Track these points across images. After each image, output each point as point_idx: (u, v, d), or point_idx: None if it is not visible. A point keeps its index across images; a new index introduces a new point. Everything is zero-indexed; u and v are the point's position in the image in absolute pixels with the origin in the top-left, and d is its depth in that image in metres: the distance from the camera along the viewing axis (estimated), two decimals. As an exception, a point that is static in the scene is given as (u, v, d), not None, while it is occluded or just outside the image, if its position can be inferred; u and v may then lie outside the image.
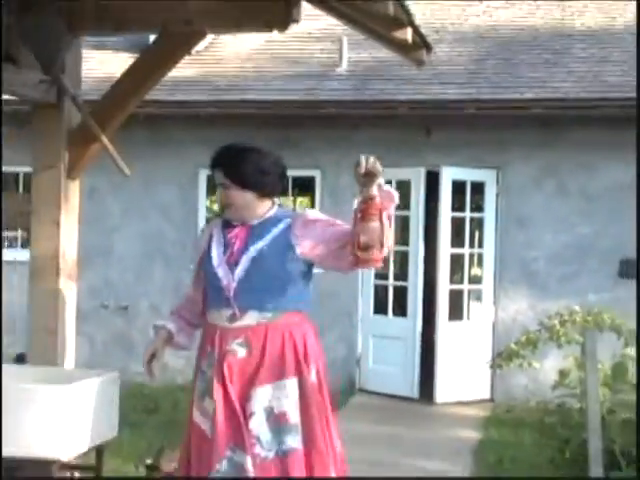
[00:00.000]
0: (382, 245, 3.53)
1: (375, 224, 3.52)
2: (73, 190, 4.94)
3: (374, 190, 3.57)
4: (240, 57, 10.93)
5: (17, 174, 10.36)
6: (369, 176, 3.50)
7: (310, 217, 3.88)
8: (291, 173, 9.85)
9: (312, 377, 3.59)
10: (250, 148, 3.90)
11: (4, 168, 10.17)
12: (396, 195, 3.63)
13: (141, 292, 10.23)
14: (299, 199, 13.23)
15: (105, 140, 4.83)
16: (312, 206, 10.49)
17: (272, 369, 3.54)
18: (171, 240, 10.24)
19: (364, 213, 3.57)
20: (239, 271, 3.63)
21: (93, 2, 5.15)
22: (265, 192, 3.76)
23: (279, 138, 9.79)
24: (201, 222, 10.26)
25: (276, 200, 3.89)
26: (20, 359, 4.68)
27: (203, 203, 10.38)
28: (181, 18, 4.82)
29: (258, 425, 3.49)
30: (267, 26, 4.79)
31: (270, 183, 3.77)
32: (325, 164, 9.91)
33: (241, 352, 3.56)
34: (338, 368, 9.78)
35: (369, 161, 3.49)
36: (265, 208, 3.77)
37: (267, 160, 3.81)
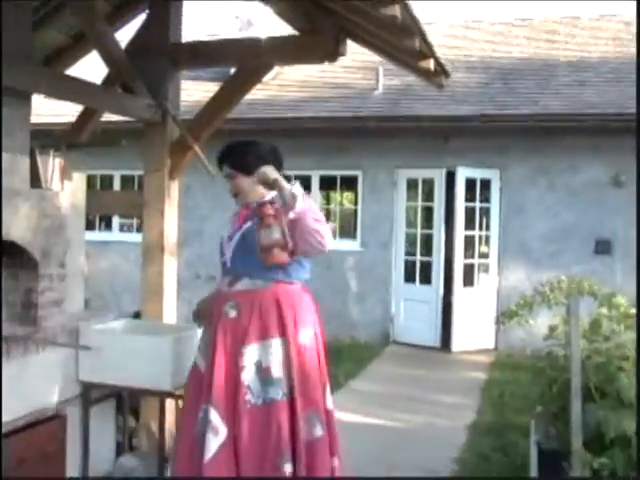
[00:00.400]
0: (285, 245, 3.35)
1: (272, 228, 3.35)
2: (174, 188, 5.01)
3: (267, 197, 3.48)
4: (299, 83, 10.98)
5: (133, 176, 10.50)
6: (267, 185, 3.35)
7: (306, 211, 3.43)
8: (339, 173, 10.09)
9: (301, 339, 3.41)
10: (248, 141, 3.73)
11: (128, 172, 10.40)
12: (298, 196, 3.19)
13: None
14: (345, 193, 13.21)
15: (197, 149, 4.89)
16: (356, 199, 10.44)
17: (259, 330, 3.37)
18: (248, 225, 10.30)
19: (261, 219, 3.42)
20: (232, 244, 3.54)
21: (189, 44, 5.21)
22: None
23: (330, 146, 9.88)
24: (271, 211, 10.33)
25: None
26: (137, 315, 4.77)
27: (272, 196, 10.41)
28: (254, 54, 4.86)
29: (249, 377, 3.34)
30: (320, 59, 4.84)
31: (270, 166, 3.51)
32: (366, 166, 9.91)
33: (232, 313, 3.43)
34: (377, 325, 9.84)
35: (259, 173, 3.36)
36: (266, 191, 3.52)
37: (264, 148, 3.63)
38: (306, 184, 10.62)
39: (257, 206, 3.51)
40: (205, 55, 5.22)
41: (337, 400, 6.60)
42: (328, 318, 10.02)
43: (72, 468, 4.01)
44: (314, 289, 9.60)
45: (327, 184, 10.99)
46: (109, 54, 4.84)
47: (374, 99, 10.17)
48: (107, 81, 5.12)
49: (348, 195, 13.25)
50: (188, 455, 3.44)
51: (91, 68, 6.86)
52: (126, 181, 10.79)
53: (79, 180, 4.44)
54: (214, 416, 3.32)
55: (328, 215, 12.66)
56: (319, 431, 3.41)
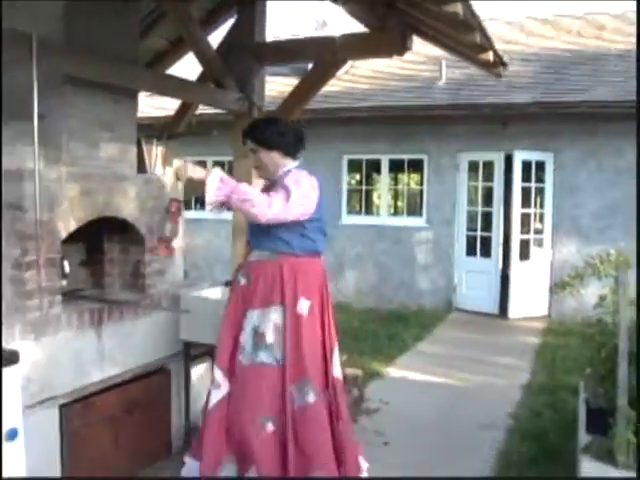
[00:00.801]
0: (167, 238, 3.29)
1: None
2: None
3: (284, 170, 3.40)
4: (369, 76, 10.94)
5: (223, 161, 10.68)
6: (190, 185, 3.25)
7: (284, 183, 3.31)
8: (406, 156, 10.03)
9: (298, 309, 3.30)
10: (271, 119, 3.63)
11: (219, 158, 10.58)
12: (209, 185, 3.11)
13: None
14: (412, 175, 13.14)
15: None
16: (421, 180, 10.40)
17: (262, 297, 3.32)
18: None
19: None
20: None
21: (272, 43, 5.28)
22: (286, 151, 3.43)
23: (397, 132, 9.84)
24: (344, 192, 10.38)
25: (295, 162, 3.48)
26: (227, 284, 4.90)
27: (345, 179, 10.47)
28: (329, 51, 4.90)
29: (245, 339, 3.32)
30: (389, 53, 4.84)
31: (289, 143, 3.42)
32: (431, 150, 9.83)
33: (243, 281, 3.41)
34: (441, 293, 9.82)
35: (176, 168, 3.28)
36: (285, 167, 3.43)
37: (285, 126, 3.48)
38: (376, 167, 10.65)
39: (277, 179, 3.40)
40: (286, 52, 5.30)
41: (405, 361, 6.76)
42: (397, 287, 10.11)
43: (176, 414, 4.19)
44: (385, 262, 9.63)
45: (395, 167, 10.96)
46: (203, 54, 4.95)
47: (438, 89, 10.07)
48: (201, 78, 5.25)
49: (414, 177, 13.17)
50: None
51: (187, 68, 7.01)
52: (217, 166, 10.98)
53: (178, 165, 4.58)
54: (217, 374, 3.39)
55: (396, 195, 12.66)
56: (311, 398, 3.29)
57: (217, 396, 3.38)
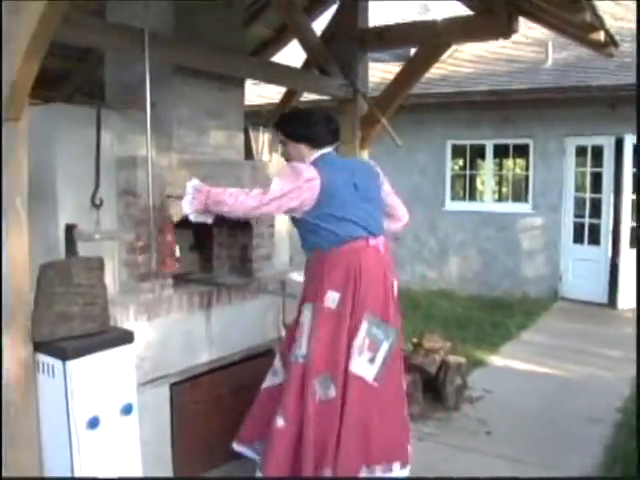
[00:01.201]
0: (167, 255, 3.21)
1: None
2: (364, 156, 5.12)
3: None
4: (473, 59, 10.69)
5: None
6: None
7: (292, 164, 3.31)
8: (511, 141, 9.76)
9: (327, 303, 3.16)
10: (300, 110, 3.57)
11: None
12: (184, 202, 3.16)
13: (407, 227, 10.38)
14: (517, 160, 12.80)
15: (384, 122, 4.95)
16: (527, 165, 10.11)
17: (308, 292, 3.31)
18: (427, 189, 10.28)
19: None
20: None
21: (375, 29, 5.25)
22: (314, 143, 3.31)
23: (502, 116, 9.60)
24: (448, 177, 10.24)
25: (322, 150, 3.34)
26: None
27: (449, 164, 10.31)
28: (433, 35, 4.83)
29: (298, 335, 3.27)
30: (495, 36, 4.73)
31: (316, 135, 3.31)
32: (537, 134, 9.52)
33: (300, 278, 3.51)
34: (546, 282, 9.54)
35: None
36: (312, 157, 3.32)
37: (313, 117, 3.37)
38: (481, 152, 10.43)
39: None
40: (389, 38, 5.25)
41: (509, 350, 6.62)
42: (501, 275, 9.91)
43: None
44: (489, 249, 9.42)
45: (500, 152, 10.71)
46: (307, 41, 4.99)
47: (544, 71, 9.73)
48: (305, 65, 5.28)
49: (519, 162, 12.83)
50: None
51: (291, 55, 7.08)
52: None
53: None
54: (277, 362, 3.47)
55: (501, 180, 12.38)
56: (332, 392, 3.15)
57: (270, 382, 3.47)
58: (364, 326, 3.19)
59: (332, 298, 3.18)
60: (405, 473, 3.32)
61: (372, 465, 3.21)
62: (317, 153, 3.33)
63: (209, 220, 3.28)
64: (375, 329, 3.22)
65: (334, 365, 3.16)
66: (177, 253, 3.29)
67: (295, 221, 3.34)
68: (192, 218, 3.21)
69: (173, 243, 3.24)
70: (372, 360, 3.21)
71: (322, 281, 3.21)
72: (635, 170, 8.73)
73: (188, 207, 3.17)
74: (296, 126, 3.38)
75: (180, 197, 3.24)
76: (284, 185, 3.13)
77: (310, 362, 3.16)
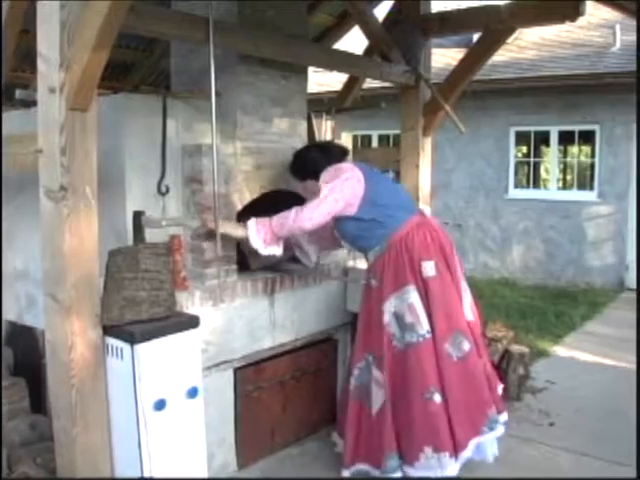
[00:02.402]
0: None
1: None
2: (427, 144, 5.06)
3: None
4: (537, 44, 10.43)
5: (388, 135, 10.69)
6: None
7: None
8: (576, 127, 9.51)
9: (425, 273, 3.34)
10: (298, 151, 3.72)
11: (383, 132, 10.61)
12: (250, 236, 3.34)
13: (470, 214, 10.25)
14: (582, 147, 12.46)
15: (448, 109, 4.88)
16: (592, 152, 9.83)
17: (392, 283, 3.41)
18: (489, 177, 10.13)
19: None
20: None
21: (437, 14, 5.17)
22: (315, 174, 3.51)
23: (567, 102, 9.37)
24: (511, 165, 10.06)
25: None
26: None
27: (512, 151, 10.12)
28: (497, 19, 4.72)
29: (392, 328, 3.40)
30: (561, 19, 4.59)
31: (313, 167, 3.54)
32: (603, 120, 9.25)
33: (374, 283, 3.51)
34: (612, 272, 9.30)
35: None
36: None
37: (308, 154, 3.66)
38: (545, 139, 10.21)
39: None
40: (452, 23, 5.14)
41: (573, 340, 6.49)
42: (565, 264, 9.69)
43: (341, 383, 4.26)
44: (553, 237, 9.21)
45: (565, 138, 10.44)
46: (369, 28, 4.94)
47: (612, 55, 9.43)
48: (368, 52, 5.24)
49: (585, 149, 12.49)
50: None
51: (353, 42, 7.04)
52: (382, 139, 11.01)
53: (346, 138, 4.64)
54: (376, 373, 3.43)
55: (565, 168, 12.09)
56: (466, 346, 3.40)
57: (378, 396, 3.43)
58: (462, 278, 3.56)
59: (429, 267, 3.35)
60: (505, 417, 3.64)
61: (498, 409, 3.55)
62: None
63: (279, 251, 3.45)
64: (464, 282, 3.61)
65: (459, 321, 3.43)
66: (184, 273, 3.29)
67: (361, 221, 3.44)
68: (262, 251, 3.39)
69: (182, 263, 3.25)
70: (469, 308, 3.59)
71: (411, 258, 3.36)
72: None
73: (256, 240, 3.34)
74: (296, 168, 3.66)
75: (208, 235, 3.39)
76: (326, 189, 3.35)
77: (436, 330, 3.32)
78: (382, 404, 3.38)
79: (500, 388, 3.71)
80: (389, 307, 3.37)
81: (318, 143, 3.80)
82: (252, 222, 3.35)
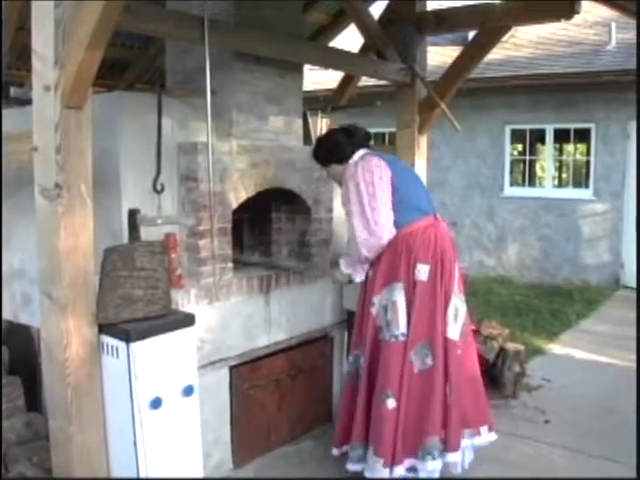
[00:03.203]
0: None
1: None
2: (422, 142, 5.07)
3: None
4: (533, 42, 10.42)
5: (383, 133, 10.68)
6: None
7: (345, 183, 3.42)
8: (572, 126, 9.51)
9: (418, 275, 3.31)
10: (322, 135, 3.73)
11: (379, 129, 10.59)
12: (344, 272, 3.59)
13: (465, 213, 10.25)
14: (578, 145, 12.47)
15: (444, 107, 4.88)
16: (588, 150, 9.84)
17: (385, 276, 3.39)
18: (485, 175, 10.14)
19: None
20: None
21: (433, 13, 5.17)
22: (339, 159, 3.51)
23: (563, 100, 9.37)
24: (507, 163, 10.06)
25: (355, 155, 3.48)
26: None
27: (508, 149, 10.12)
28: (492, 18, 4.72)
29: (380, 320, 3.40)
30: (556, 17, 4.60)
31: (338, 151, 3.51)
32: (599, 118, 9.26)
33: (370, 273, 3.50)
34: (607, 270, 9.31)
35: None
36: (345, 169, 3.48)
37: (331, 137, 3.64)
38: (540, 137, 10.22)
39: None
40: (448, 21, 5.14)
41: (569, 338, 6.50)
42: (560, 262, 9.70)
43: (337, 381, 4.27)
44: (549, 235, 9.21)
45: (560, 136, 10.45)
46: (365, 26, 4.93)
47: (607, 54, 9.44)
48: (363, 50, 5.24)
49: (580, 147, 12.51)
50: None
51: (348, 40, 7.04)
52: (377, 137, 10.99)
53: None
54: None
55: (561, 166, 12.10)
56: (429, 360, 3.26)
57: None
58: (454, 293, 3.38)
59: (422, 271, 3.29)
60: (493, 437, 3.55)
61: (469, 428, 3.42)
62: (347, 163, 3.47)
63: (360, 277, 3.51)
64: (458, 299, 3.42)
65: (432, 333, 3.28)
66: (180, 270, 3.28)
67: None
68: (358, 280, 3.51)
69: (177, 261, 3.25)
70: (458, 327, 3.39)
71: (408, 258, 3.30)
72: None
73: (358, 276, 3.50)
74: (320, 153, 3.63)
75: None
76: (367, 196, 3.29)
77: (410, 335, 3.26)
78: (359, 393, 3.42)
79: (484, 429, 3.49)
80: (379, 300, 3.36)
81: (342, 127, 3.69)
82: (343, 264, 3.54)
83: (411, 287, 3.29)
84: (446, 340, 3.31)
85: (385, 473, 3.21)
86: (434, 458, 3.23)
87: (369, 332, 3.38)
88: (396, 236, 3.32)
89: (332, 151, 3.55)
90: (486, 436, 3.51)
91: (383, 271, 3.37)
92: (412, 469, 3.29)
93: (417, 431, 3.25)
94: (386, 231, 3.28)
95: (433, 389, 3.25)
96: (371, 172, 3.30)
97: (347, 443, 3.46)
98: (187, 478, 2.98)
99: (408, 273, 3.30)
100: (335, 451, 3.54)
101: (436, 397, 3.25)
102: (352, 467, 3.40)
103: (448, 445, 3.26)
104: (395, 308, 3.29)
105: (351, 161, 3.46)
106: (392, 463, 3.21)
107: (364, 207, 3.27)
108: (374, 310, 3.37)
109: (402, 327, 3.27)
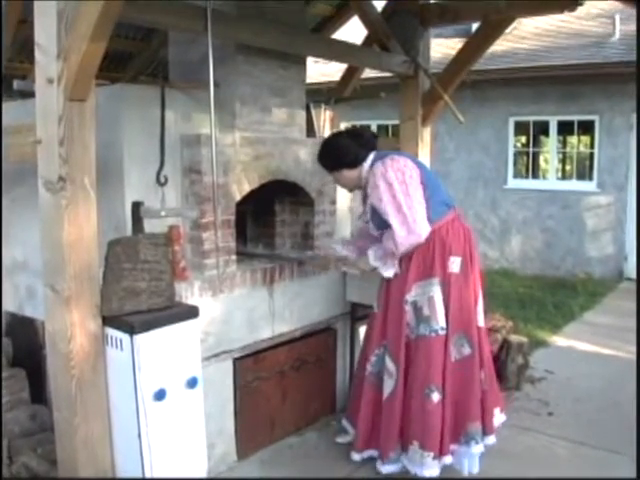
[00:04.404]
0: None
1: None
2: (426, 134, 5.05)
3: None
4: (537, 34, 10.39)
5: (387, 125, 10.66)
6: None
7: (375, 182, 3.36)
8: (576, 117, 9.48)
9: (450, 268, 3.34)
10: (327, 139, 3.61)
11: (382, 122, 10.58)
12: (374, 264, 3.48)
13: (469, 204, 10.24)
14: (582, 137, 12.44)
15: (447, 99, 4.87)
16: (592, 142, 9.81)
17: (417, 273, 3.39)
18: (488, 168, 10.12)
19: None
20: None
21: (436, 4, 5.15)
22: (351, 163, 3.46)
23: (567, 92, 9.35)
24: (510, 155, 10.04)
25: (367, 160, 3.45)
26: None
27: (511, 141, 10.09)
28: (496, 9, 4.70)
29: (409, 317, 3.41)
30: (560, 9, 4.55)
31: (349, 156, 3.45)
32: (603, 110, 9.22)
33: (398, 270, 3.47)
34: (611, 262, 9.30)
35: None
36: (362, 172, 3.45)
37: (339, 141, 3.52)
38: (544, 129, 10.18)
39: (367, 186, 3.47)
40: (451, 13, 5.11)
41: (572, 330, 6.49)
42: (564, 254, 9.69)
43: (341, 373, 4.29)
44: (552, 227, 9.23)
45: (564, 128, 10.42)
46: (368, 18, 4.91)
47: (611, 45, 9.40)
48: (366, 42, 5.22)
49: (584, 139, 12.47)
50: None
51: (351, 32, 7.01)
52: (380, 129, 10.98)
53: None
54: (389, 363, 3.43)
55: (564, 158, 12.08)
56: (467, 350, 3.35)
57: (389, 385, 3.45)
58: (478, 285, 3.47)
59: (455, 263, 3.33)
60: (503, 418, 3.70)
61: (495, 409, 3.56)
62: (361, 166, 3.46)
63: (388, 273, 3.43)
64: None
65: (468, 323, 3.37)
66: (183, 263, 3.28)
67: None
68: (386, 275, 3.45)
69: (181, 253, 3.25)
70: (482, 314, 3.52)
71: (442, 251, 3.33)
72: None
73: (387, 270, 3.42)
74: (328, 158, 3.54)
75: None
76: (401, 194, 3.27)
77: (449, 329, 3.32)
78: (390, 393, 3.41)
79: (497, 411, 3.60)
80: (410, 296, 3.36)
81: (347, 129, 3.68)
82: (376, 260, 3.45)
83: (446, 281, 3.32)
84: (479, 329, 3.43)
85: (435, 465, 3.31)
86: (477, 442, 3.38)
87: (403, 331, 3.38)
88: (434, 228, 3.33)
89: (343, 156, 3.47)
90: (499, 417, 3.63)
91: (415, 268, 3.36)
92: (454, 456, 3.43)
93: (461, 419, 3.37)
94: (424, 229, 3.26)
95: (473, 376, 3.37)
96: (402, 172, 3.29)
97: (371, 447, 3.52)
98: (191, 478, 3.00)
99: (443, 267, 3.33)
100: (356, 456, 3.55)
101: (475, 384, 3.37)
102: (387, 468, 3.43)
103: (487, 428, 3.44)
104: (433, 303, 3.31)
105: (366, 163, 3.45)
106: (441, 454, 3.33)
107: (400, 206, 3.24)
108: (406, 307, 3.37)
109: (441, 321, 3.30)
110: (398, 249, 3.29)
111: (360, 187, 3.58)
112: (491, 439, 3.48)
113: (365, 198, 3.52)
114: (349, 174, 3.51)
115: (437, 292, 3.31)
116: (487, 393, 3.45)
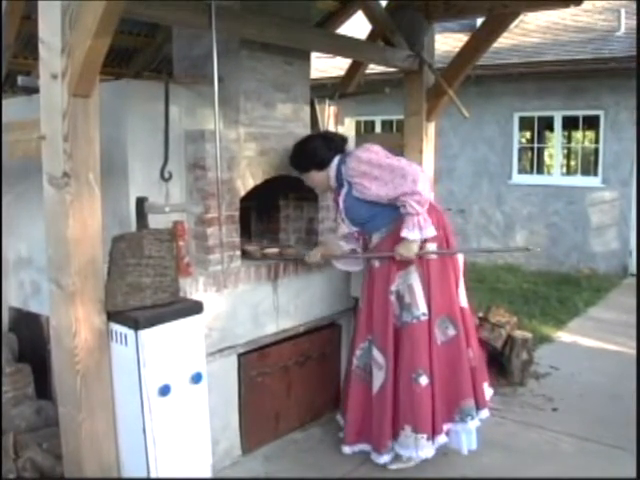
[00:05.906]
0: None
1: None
2: (430, 129, 5.03)
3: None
4: (541, 29, 10.36)
5: (391, 120, 10.64)
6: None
7: (359, 172, 3.41)
8: (581, 113, 9.45)
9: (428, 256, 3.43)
10: (300, 141, 3.67)
11: (387, 117, 10.57)
12: (409, 240, 3.35)
13: (473, 200, 10.23)
14: (586, 132, 12.40)
15: (452, 94, 4.85)
16: (597, 138, 9.77)
17: (399, 264, 3.42)
18: (493, 163, 10.09)
19: None
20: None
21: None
22: (319, 165, 3.55)
23: (571, 87, 9.31)
24: (515, 150, 10.01)
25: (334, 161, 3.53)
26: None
27: (516, 136, 10.07)
28: (501, 4, 4.68)
29: (394, 307, 3.45)
30: (565, 3, 4.54)
31: (316, 156, 3.54)
32: (607, 105, 9.20)
33: (376, 264, 3.50)
34: (615, 258, 9.28)
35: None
36: (329, 173, 3.54)
37: (309, 143, 3.61)
38: (549, 124, 10.16)
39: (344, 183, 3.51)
40: (456, 8, 5.09)
41: (577, 326, 6.48)
42: (569, 249, 9.67)
43: (345, 368, 4.28)
44: (557, 223, 9.24)
45: (569, 124, 10.39)
46: (372, 13, 4.90)
47: (616, 40, 9.36)
48: (371, 37, 5.20)
49: (589, 134, 12.43)
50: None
51: (356, 27, 7.00)
52: (385, 125, 10.97)
53: (349, 124, 4.63)
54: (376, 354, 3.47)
55: (569, 153, 12.05)
56: (451, 331, 3.44)
57: (378, 377, 3.48)
58: (460, 261, 3.55)
59: (431, 249, 3.40)
60: (491, 392, 3.76)
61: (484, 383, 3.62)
62: (328, 168, 3.54)
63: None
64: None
65: (450, 306, 3.45)
66: (188, 258, 3.28)
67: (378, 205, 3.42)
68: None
69: (185, 248, 3.25)
70: (464, 294, 3.60)
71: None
72: None
73: (414, 231, 3.32)
74: (299, 159, 3.64)
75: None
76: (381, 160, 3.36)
77: (431, 312, 3.39)
78: (381, 385, 3.44)
79: (485, 385, 3.64)
80: (394, 286, 3.42)
81: (320, 133, 3.78)
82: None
83: (424, 267, 3.39)
84: (462, 309, 3.51)
85: (429, 445, 3.38)
86: (472, 418, 3.46)
87: (389, 321, 3.42)
88: (400, 220, 3.35)
89: (313, 157, 3.57)
90: (488, 391, 3.68)
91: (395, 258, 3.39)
92: (449, 436, 3.50)
93: (453, 397, 3.44)
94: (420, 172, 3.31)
95: (461, 356, 3.44)
96: (376, 152, 3.42)
97: (362, 441, 3.56)
98: (195, 478, 3.00)
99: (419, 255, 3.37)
100: (347, 449, 3.59)
101: (464, 363, 3.45)
102: (383, 459, 3.48)
103: (480, 403, 3.52)
104: (412, 290, 3.38)
105: (333, 164, 3.52)
106: (434, 434, 3.39)
107: (393, 168, 3.30)
108: (392, 298, 3.42)
109: (422, 307, 3.37)
110: (421, 196, 3.25)
111: (330, 189, 3.67)
112: (484, 413, 3.55)
113: (336, 198, 3.58)
114: (317, 176, 3.60)
115: (416, 279, 3.39)
116: (476, 369, 3.53)
